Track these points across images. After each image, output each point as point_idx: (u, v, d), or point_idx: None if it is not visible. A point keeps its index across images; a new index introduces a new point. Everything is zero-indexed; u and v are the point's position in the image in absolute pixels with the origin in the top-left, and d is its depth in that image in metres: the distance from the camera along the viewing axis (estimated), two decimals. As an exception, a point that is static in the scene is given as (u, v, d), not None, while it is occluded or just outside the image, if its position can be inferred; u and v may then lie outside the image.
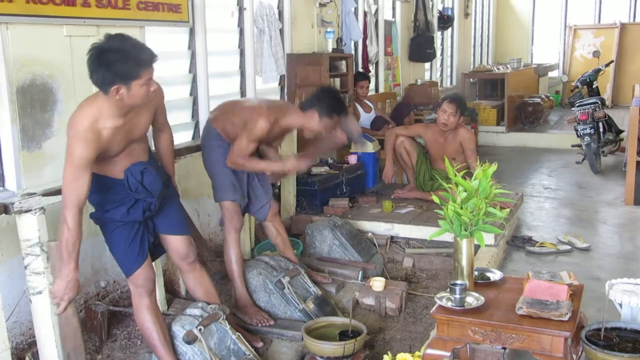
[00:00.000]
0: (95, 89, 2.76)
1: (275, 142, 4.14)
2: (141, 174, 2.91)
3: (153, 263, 3.21)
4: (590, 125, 7.79)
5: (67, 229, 2.67)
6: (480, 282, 3.04)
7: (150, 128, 3.16)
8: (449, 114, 5.41)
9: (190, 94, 4.94)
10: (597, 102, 8.13)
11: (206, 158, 3.93)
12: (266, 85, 5.84)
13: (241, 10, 5.44)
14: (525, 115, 10.92)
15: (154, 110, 3.05)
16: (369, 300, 4.05)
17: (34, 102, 3.43)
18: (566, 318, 2.56)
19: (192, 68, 4.90)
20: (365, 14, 7.85)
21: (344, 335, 3.43)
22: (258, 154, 3.97)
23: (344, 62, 6.56)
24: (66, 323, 3.04)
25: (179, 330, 3.10)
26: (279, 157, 4.16)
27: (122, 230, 2.98)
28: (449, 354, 2.75)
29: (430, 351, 2.78)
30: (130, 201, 2.96)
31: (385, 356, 3.06)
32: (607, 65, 10.00)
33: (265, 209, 4.08)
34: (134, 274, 3.02)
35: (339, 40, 6.83)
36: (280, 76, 6.01)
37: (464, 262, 2.87)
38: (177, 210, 3.31)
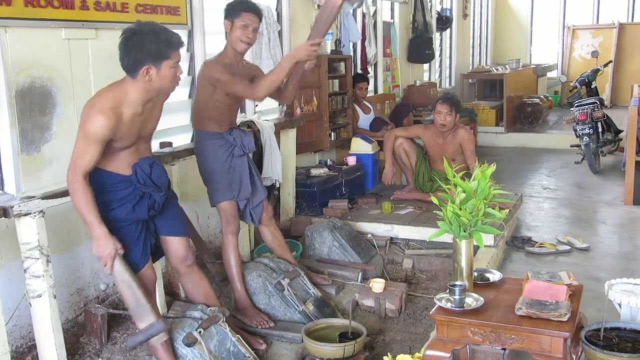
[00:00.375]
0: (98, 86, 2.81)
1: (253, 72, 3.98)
2: (150, 167, 2.99)
3: (153, 265, 3.21)
4: (589, 126, 7.80)
5: (78, 194, 2.78)
6: (480, 283, 3.04)
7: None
8: (444, 114, 5.42)
9: (189, 97, 4.94)
10: (596, 102, 8.14)
11: (201, 163, 3.90)
12: (265, 87, 5.83)
13: (240, 12, 5.43)
14: (524, 115, 10.93)
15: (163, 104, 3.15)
16: (368, 302, 4.06)
17: (33, 105, 3.43)
18: (565, 318, 2.57)
19: (191, 71, 4.90)
20: (363, 16, 7.85)
21: (344, 336, 3.43)
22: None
23: (342, 64, 6.57)
24: (119, 282, 2.97)
25: (178, 333, 3.10)
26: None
27: (126, 231, 2.99)
28: (448, 355, 2.75)
29: (430, 352, 2.78)
30: (135, 198, 2.99)
31: (385, 357, 3.06)
32: (605, 65, 10.00)
33: (260, 208, 4.05)
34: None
35: (338, 42, 6.83)
36: (279, 78, 6.01)
37: (463, 263, 2.88)
38: (177, 212, 3.36)
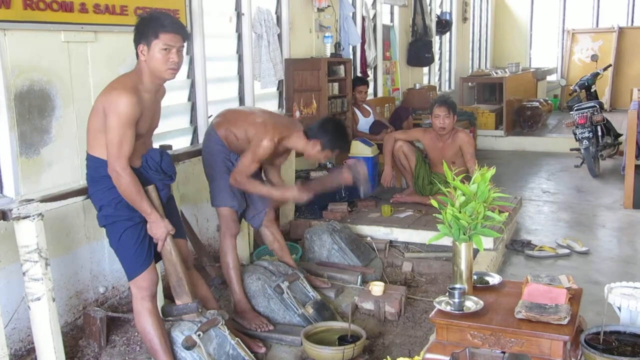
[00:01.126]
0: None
1: (278, 161, 4.15)
2: (160, 156, 3.09)
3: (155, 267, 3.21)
4: (589, 129, 7.80)
5: (128, 184, 2.86)
6: (479, 286, 3.03)
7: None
8: (442, 117, 5.42)
9: (189, 100, 4.95)
10: (596, 106, 8.14)
11: (206, 162, 3.93)
12: (264, 90, 5.85)
13: (239, 15, 5.45)
14: (524, 119, 10.95)
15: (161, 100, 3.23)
16: (368, 305, 4.05)
17: (32, 108, 3.43)
18: (565, 322, 2.56)
19: (191, 73, 4.91)
20: (363, 19, 7.86)
21: (343, 340, 3.43)
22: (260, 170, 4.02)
23: (342, 67, 6.57)
24: (166, 260, 3.14)
25: (178, 336, 3.09)
26: (281, 181, 4.18)
27: (132, 231, 3.00)
28: (448, 358, 2.74)
29: (429, 355, 2.77)
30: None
31: (384, 361, 3.05)
32: (605, 69, 10.02)
33: (260, 216, 4.08)
34: (139, 276, 3.02)
35: (337, 45, 6.85)
36: (279, 81, 6.02)
37: (463, 266, 2.87)
38: (177, 214, 3.40)
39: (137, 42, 2.93)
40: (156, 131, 4.37)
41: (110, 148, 2.84)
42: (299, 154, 4.18)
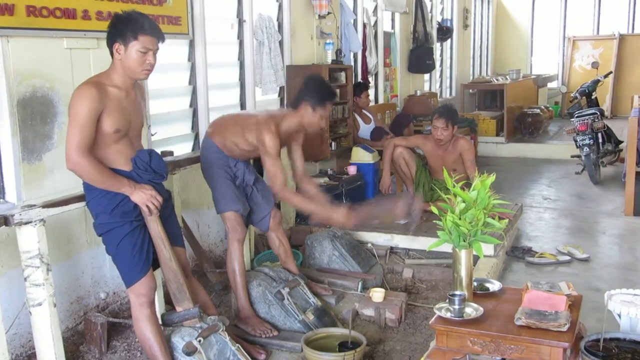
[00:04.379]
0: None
1: (295, 142, 4.09)
2: (149, 155, 3.05)
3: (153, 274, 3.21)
4: (590, 136, 7.80)
5: (86, 167, 2.82)
6: (479, 293, 3.04)
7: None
8: (440, 129, 5.41)
9: (190, 106, 4.96)
10: (596, 113, 8.15)
11: (206, 172, 3.93)
12: (266, 97, 5.86)
13: (241, 22, 5.47)
14: (525, 126, 10.95)
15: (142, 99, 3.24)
16: (368, 311, 4.05)
17: (35, 114, 3.45)
18: (565, 329, 2.56)
19: (192, 80, 4.92)
20: (364, 26, 7.89)
21: (344, 346, 3.43)
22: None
23: (343, 74, 6.60)
24: (165, 267, 3.15)
25: (178, 342, 3.10)
26: (302, 160, 4.12)
27: (129, 239, 3.00)
28: (448, 364, 2.74)
29: (429, 362, 2.78)
30: None
31: (384, 367, 3.06)
32: (605, 76, 10.04)
33: (267, 219, 4.09)
34: (137, 282, 3.02)
35: (339, 52, 6.86)
36: (280, 88, 6.04)
37: (463, 273, 2.88)
38: (177, 222, 3.38)
39: (112, 40, 2.93)
40: (157, 137, 4.43)
41: (68, 139, 2.82)
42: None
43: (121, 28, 2.92)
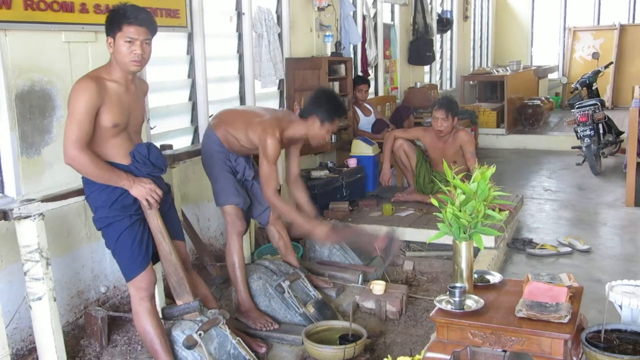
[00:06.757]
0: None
1: (295, 147, 4.08)
2: (147, 149, 3.04)
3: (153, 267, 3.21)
4: (590, 127, 7.79)
5: (84, 161, 2.81)
6: (480, 285, 3.03)
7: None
8: (440, 120, 5.40)
9: (190, 99, 4.95)
10: (597, 104, 8.13)
11: (206, 163, 3.92)
12: (265, 90, 5.85)
13: (240, 15, 5.45)
14: (525, 117, 10.94)
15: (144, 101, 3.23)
16: (369, 304, 4.05)
17: (33, 108, 3.44)
18: (566, 320, 2.56)
19: (191, 73, 4.91)
20: (364, 18, 7.86)
21: (345, 339, 3.43)
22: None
23: (343, 66, 6.57)
24: (165, 261, 3.14)
25: (179, 335, 3.10)
26: (297, 165, 4.13)
27: (129, 233, 3.00)
28: (449, 357, 2.74)
29: (430, 354, 2.77)
30: None
31: (385, 359, 3.06)
32: (606, 66, 9.99)
33: (267, 212, 4.08)
34: (137, 276, 3.02)
35: (338, 44, 6.84)
36: (279, 80, 6.02)
37: (463, 265, 2.87)
38: (177, 216, 3.38)
39: (106, 34, 2.92)
40: (156, 131, 4.42)
41: (66, 134, 2.81)
42: (300, 155, 4.14)
43: (109, 21, 2.90)
